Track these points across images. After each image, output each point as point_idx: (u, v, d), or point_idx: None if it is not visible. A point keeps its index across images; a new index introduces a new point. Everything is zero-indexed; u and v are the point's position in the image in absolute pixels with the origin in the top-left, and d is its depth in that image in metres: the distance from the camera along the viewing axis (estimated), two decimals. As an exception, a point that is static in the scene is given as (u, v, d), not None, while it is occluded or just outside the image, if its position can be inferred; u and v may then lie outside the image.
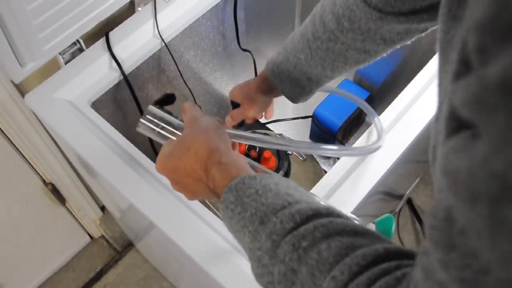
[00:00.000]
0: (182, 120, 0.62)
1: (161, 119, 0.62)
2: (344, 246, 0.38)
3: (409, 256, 0.37)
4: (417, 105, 0.82)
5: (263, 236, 0.43)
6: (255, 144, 0.77)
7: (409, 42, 0.64)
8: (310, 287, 0.38)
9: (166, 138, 0.62)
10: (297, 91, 0.75)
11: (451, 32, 0.34)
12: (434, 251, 0.28)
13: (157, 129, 0.62)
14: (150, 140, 1.01)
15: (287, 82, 0.74)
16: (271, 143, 0.67)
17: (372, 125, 0.80)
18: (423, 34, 0.62)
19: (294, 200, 0.44)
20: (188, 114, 0.58)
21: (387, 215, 0.64)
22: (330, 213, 0.42)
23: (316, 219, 0.41)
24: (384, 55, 0.68)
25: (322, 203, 0.45)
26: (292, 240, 0.41)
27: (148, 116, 0.62)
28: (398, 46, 0.66)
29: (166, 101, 0.67)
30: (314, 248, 0.39)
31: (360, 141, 0.80)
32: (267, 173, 0.52)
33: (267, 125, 1.30)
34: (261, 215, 0.44)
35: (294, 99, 0.77)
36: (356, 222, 0.42)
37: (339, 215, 0.43)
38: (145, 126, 0.62)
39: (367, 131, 0.81)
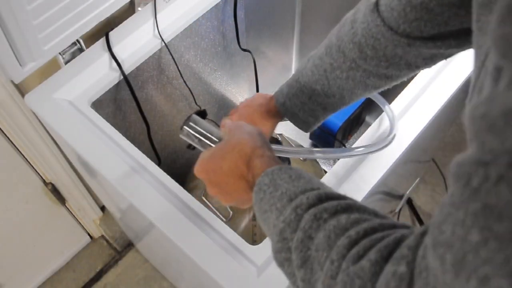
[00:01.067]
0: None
1: (203, 127, 0.66)
2: (363, 218, 0.40)
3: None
4: (417, 105, 0.82)
5: (288, 209, 0.44)
6: (296, 157, 0.80)
7: (431, 67, 0.64)
8: (324, 249, 0.39)
9: (206, 146, 0.65)
10: (311, 121, 0.74)
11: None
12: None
13: (199, 136, 0.65)
14: (150, 140, 1.01)
15: (300, 114, 0.73)
16: (308, 153, 0.72)
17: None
18: (446, 60, 0.62)
19: (323, 187, 0.47)
20: (229, 124, 0.60)
21: None
22: (354, 200, 0.44)
23: (340, 200, 0.43)
24: (405, 79, 0.67)
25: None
26: (315, 211, 0.42)
27: (191, 124, 0.66)
28: (421, 71, 0.66)
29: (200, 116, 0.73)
30: (334, 218, 0.41)
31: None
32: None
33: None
34: (290, 193, 0.46)
35: (306, 129, 0.76)
36: None
37: (361, 204, 0.44)
38: (188, 132, 0.66)
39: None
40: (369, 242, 0.36)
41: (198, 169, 0.58)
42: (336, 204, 0.42)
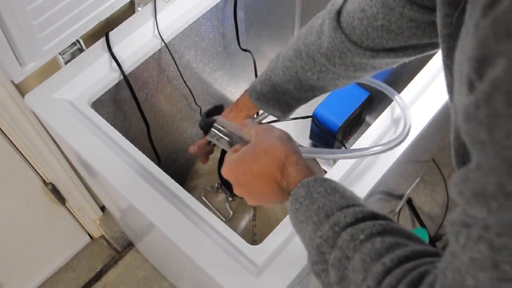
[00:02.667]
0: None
1: (229, 128, 0.67)
2: (397, 243, 0.43)
3: None
4: (417, 105, 0.82)
5: (326, 226, 0.48)
6: (323, 157, 0.81)
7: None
8: (360, 272, 0.43)
9: (232, 145, 0.66)
10: (286, 110, 0.79)
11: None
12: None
13: (226, 138, 0.66)
14: (150, 140, 1.01)
15: (275, 106, 0.77)
16: (332, 154, 0.77)
17: (387, 109, 0.81)
18: (407, 61, 0.68)
19: (358, 203, 0.49)
20: (254, 126, 0.63)
21: (419, 228, 0.68)
22: (388, 218, 0.47)
23: (375, 220, 0.46)
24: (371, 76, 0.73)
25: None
26: (352, 231, 0.45)
27: (217, 125, 0.67)
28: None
29: (216, 112, 0.80)
30: (370, 241, 0.44)
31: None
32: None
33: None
34: (327, 209, 0.49)
35: (283, 118, 0.81)
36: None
37: (394, 223, 0.47)
38: (215, 134, 0.67)
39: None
40: (401, 273, 0.40)
41: (226, 171, 0.60)
42: (371, 226, 0.45)
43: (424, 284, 0.38)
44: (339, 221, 0.47)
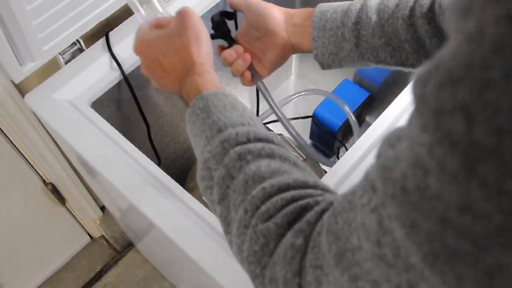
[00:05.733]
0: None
1: None
2: (282, 170, 0.42)
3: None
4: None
5: (216, 141, 0.46)
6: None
7: None
8: (240, 193, 0.42)
9: (144, 17, 0.61)
10: (334, 52, 0.65)
11: None
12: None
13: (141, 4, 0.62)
14: (150, 140, 1.01)
15: (331, 36, 0.63)
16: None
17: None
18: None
19: (253, 123, 0.48)
20: (185, 9, 0.58)
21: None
22: (278, 142, 0.47)
23: (266, 142, 0.46)
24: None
25: (277, 137, 0.49)
26: (240, 151, 0.44)
27: None
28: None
29: (227, 15, 0.73)
30: (255, 163, 0.43)
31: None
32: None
33: (267, 125, 1.30)
34: (221, 124, 0.47)
35: (322, 64, 0.68)
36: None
37: (284, 148, 0.46)
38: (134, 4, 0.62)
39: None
40: (280, 201, 0.40)
41: (136, 48, 0.59)
42: (261, 148, 0.44)
43: (302, 221, 0.37)
44: (229, 138, 0.45)
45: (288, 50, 0.69)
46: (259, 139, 0.45)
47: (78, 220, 1.42)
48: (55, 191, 1.24)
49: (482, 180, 0.22)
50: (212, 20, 0.75)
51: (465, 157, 0.22)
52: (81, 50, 0.89)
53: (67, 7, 0.77)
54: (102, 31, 0.90)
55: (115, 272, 1.51)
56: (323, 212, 0.37)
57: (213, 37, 0.72)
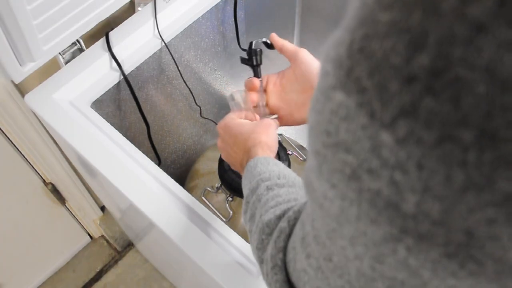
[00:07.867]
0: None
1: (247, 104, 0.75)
2: (294, 199, 0.50)
3: None
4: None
5: (254, 181, 0.55)
6: None
7: None
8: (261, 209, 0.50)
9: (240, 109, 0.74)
10: None
11: None
12: None
13: (242, 106, 0.75)
14: (150, 140, 1.01)
15: None
16: None
17: None
18: None
19: (289, 175, 0.56)
20: (269, 122, 0.68)
21: None
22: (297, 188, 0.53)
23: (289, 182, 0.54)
24: None
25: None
26: (268, 184, 0.53)
27: (239, 94, 0.76)
28: None
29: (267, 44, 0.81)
30: (279, 190, 0.52)
31: None
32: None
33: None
34: (261, 172, 0.56)
35: None
36: None
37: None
38: (233, 99, 0.75)
39: None
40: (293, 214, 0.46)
41: (221, 125, 0.70)
42: (285, 182, 0.53)
43: (290, 211, 0.44)
44: (264, 178, 0.54)
45: None
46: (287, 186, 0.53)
47: (78, 220, 1.42)
48: (55, 191, 1.24)
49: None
50: (250, 45, 0.78)
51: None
52: (81, 50, 0.89)
53: (67, 7, 0.77)
54: (102, 31, 0.90)
55: (115, 272, 1.51)
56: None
57: (242, 61, 0.81)
